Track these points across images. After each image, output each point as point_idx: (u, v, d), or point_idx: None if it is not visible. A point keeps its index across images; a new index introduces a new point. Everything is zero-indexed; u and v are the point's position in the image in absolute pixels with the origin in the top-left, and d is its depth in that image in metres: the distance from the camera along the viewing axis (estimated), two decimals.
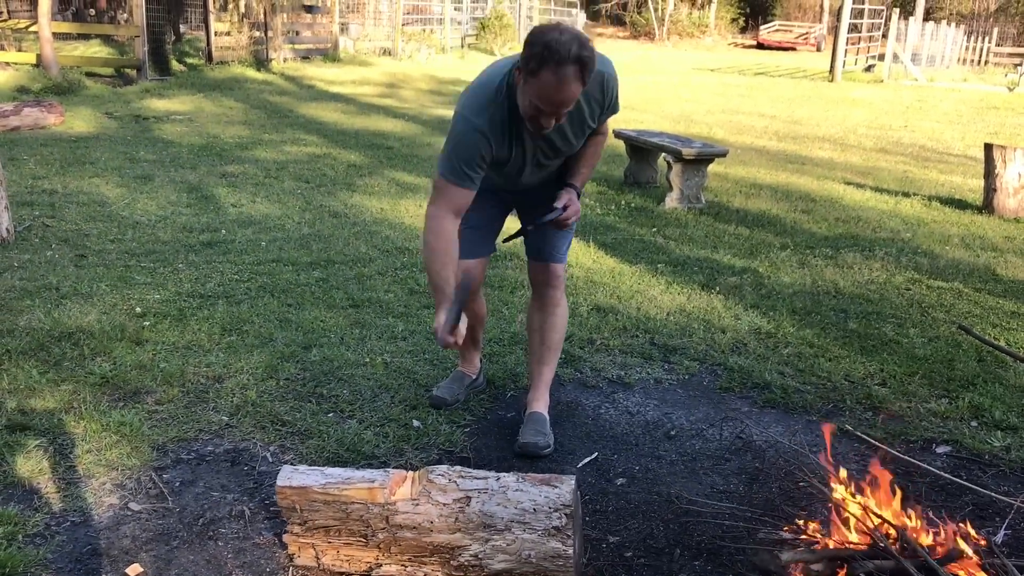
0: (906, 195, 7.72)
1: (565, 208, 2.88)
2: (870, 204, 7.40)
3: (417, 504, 2.27)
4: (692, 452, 3.15)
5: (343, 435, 3.13)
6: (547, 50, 2.41)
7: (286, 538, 2.39)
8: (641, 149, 7.76)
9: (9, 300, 4.30)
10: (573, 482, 2.30)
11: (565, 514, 2.23)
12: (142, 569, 2.39)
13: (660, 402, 3.54)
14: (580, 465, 3.02)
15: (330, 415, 3.30)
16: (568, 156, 2.94)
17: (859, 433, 3.18)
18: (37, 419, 3.14)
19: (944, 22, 33.06)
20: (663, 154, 7.21)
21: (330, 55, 19.08)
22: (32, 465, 2.84)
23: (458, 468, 2.36)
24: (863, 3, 23.44)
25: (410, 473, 2.36)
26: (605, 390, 3.64)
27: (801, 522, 2.51)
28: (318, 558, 2.37)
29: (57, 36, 15.21)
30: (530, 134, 2.71)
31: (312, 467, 2.43)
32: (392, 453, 3.05)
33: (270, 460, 2.97)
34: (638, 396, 3.59)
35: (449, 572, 2.29)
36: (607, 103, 2.81)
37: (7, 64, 14.62)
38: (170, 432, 3.12)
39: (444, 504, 2.26)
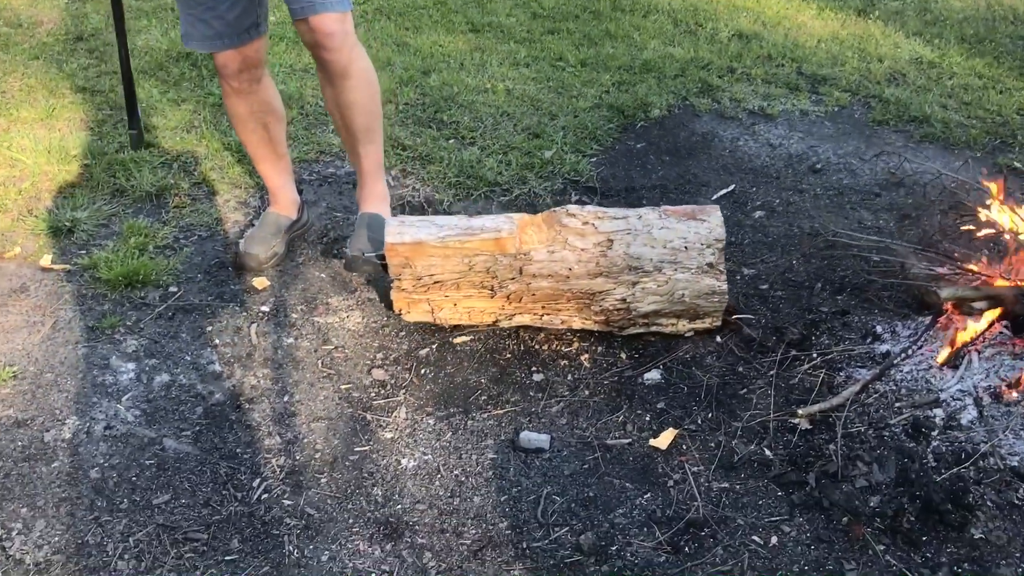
0: None
1: None
2: None
3: (553, 252, 2.08)
4: (839, 186, 2.90)
5: (464, 161, 3.00)
6: None
7: (393, 295, 2.15)
8: None
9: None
10: (719, 213, 2.13)
11: (718, 248, 2.08)
12: (268, 283, 2.40)
13: (805, 134, 3.26)
14: (715, 197, 2.84)
15: (451, 141, 3.17)
16: None
17: None
18: (160, 137, 3.12)
19: None
20: None
21: None
22: (158, 181, 2.84)
23: (591, 208, 2.16)
24: None
25: (536, 217, 2.14)
26: (745, 121, 3.36)
27: (959, 259, 2.29)
28: (433, 312, 2.18)
29: None
30: None
31: (421, 217, 2.18)
32: (516, 181, 2.92)
33: (392, 184, 2.88)
34: (781, 128, 3.31)
35: (588, 316, 2.15)
36: None
37: None
38: (291, 153, 3.05)
39: (583, 249, 2.07)
